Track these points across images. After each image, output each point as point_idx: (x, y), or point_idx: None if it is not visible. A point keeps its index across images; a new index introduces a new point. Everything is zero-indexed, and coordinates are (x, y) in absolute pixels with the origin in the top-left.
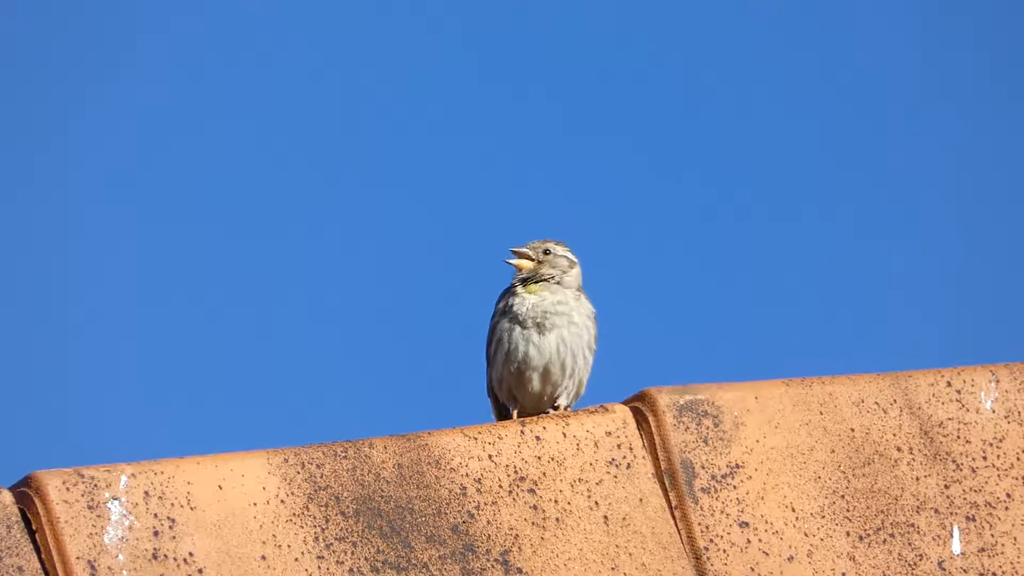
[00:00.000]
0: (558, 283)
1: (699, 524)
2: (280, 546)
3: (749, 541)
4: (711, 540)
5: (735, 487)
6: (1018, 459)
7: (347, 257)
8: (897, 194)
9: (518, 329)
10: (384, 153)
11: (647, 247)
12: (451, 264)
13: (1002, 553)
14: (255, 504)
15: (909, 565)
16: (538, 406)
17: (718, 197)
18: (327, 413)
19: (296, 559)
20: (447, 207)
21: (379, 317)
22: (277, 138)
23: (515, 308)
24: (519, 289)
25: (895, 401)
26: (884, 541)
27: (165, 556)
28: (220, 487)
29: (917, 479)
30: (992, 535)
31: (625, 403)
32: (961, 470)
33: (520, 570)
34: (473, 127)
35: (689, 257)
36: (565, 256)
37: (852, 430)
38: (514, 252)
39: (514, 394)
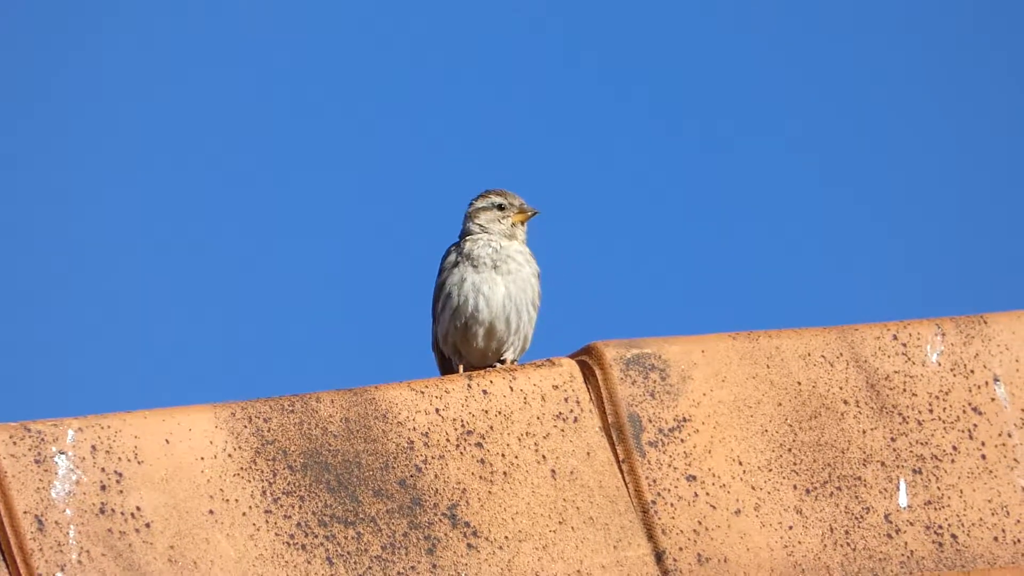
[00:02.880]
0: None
1: (646, 478)
2: (228, 500)
3: (696, 495)
4: (658, 494)
5: (682, 441)
6: (964, 412)
7: (292, 213)
8: (843, 148)
9: (469, 280)
10: (317, 104)
11: (593, 199)
12: (396, 218)
13: (948, 506)
14: (202, 458)
15: (856, 518)
16: (483, 361)
17: (664, 148)
18: (274, 368)
19: (244, 513)
20: (387, 160)
21: (325, 272)
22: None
23: (476, 252)
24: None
25: (841, 354)
26: (831, 494)
27: (112, 510)
28: (167, 441)
29: (863, 432)
30: (938, 488)
31: (572, 357)
32: (907, 423)
33: (467, 524)
34: (397, 64)
35: (635, 210)
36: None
37: (799, 383)
38: (528, 210)
39: (459, 349)
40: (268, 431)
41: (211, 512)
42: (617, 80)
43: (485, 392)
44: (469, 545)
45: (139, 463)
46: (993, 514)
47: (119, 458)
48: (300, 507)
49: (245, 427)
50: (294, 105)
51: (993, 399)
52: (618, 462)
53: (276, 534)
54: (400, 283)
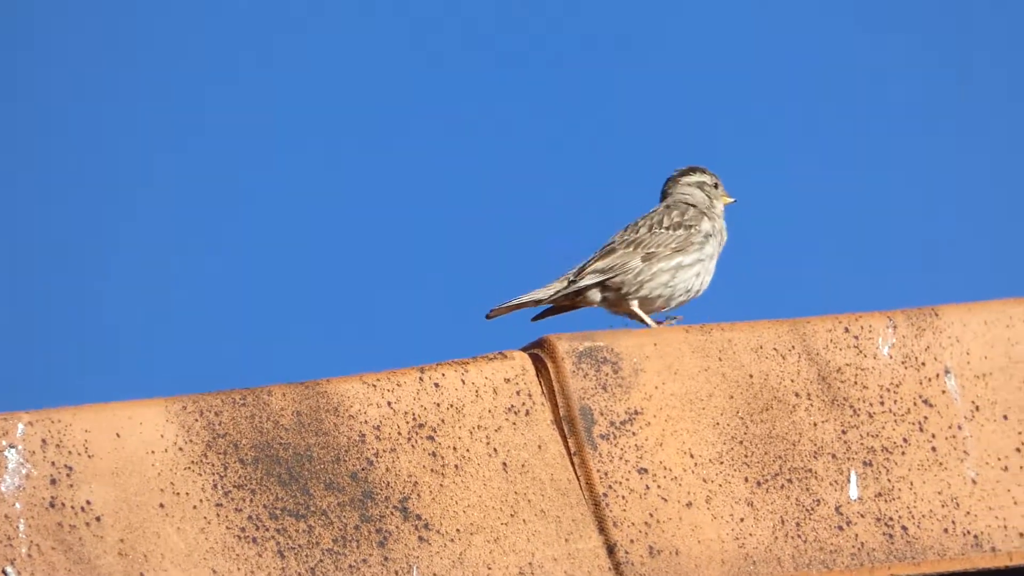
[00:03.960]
0: None
1: (598, 471)
2: (178, 494)
3: (648, 487)
4: (610, 487)
5: (634, 433)
6: (915, 404)
7: (242, 197)
8: (793, 138)
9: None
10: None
11: (539, 200)
12: (344, 209)
13: (898, 498)
14: (153, 452)
15: (807, 510)
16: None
17: (617, 143)
18: (226, 361)
19: (195, 507)
20: (329, 149)
21: (276, 261)
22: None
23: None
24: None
25: (793, 347)
26: (782, 486)
27: (63, 504)
28: (118, 435)
29: (815, 424)
30: (889, 480)
31: (524, 350)
32: (858, 415)
33: (419, 517)
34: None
35: (587, 204)
36: None
37: (751, 376)
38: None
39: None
40: (219, 424)
41: (162, 505)
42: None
43: (437, 385)
44: (420, 538)
45: (89, 457)
46: (943, 506)
47: (69, 452)
48: (251, 500)
49: (196, 421)
50: (234, 92)
51: (944, 392)
52: (570, 455)
53: (227, 527)
54: (352, 273)
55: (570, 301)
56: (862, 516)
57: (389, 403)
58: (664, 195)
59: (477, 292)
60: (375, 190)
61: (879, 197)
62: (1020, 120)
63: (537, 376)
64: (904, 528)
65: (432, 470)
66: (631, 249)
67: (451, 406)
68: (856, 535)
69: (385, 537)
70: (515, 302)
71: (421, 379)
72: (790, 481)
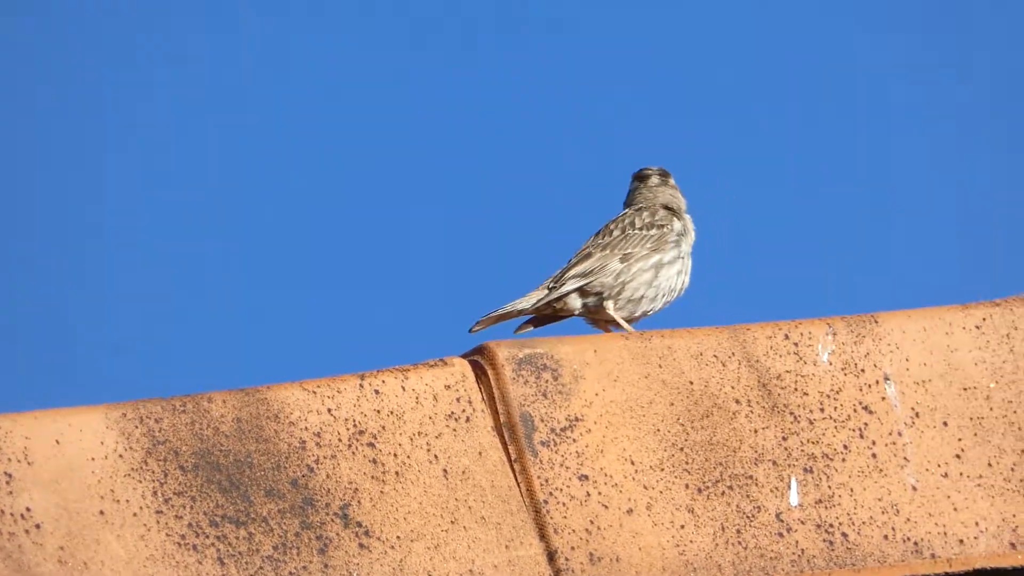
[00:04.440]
0: None
1: (539, 477)
2: (119, 501)
3: (588, 494)
4: (550, 493)
5: (574, 440)
6: (854, 411)
7: (181, 203)
8: (733, 147)
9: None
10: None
11: (479, 204)
12: (285, 216)
13: (839, 504)
14: (93, 459)
15: (747, 517)
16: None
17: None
18: (165, 368)
19: (135, 514)
20: (263, 158)
21: (215, 269)
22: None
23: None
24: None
25: (733, 354)
26: (723, 493)
27: (2, 511)
28: (58, 442)
29: (755, 431)
30: (829, 486)
31: (464, 357)
32: (799, 422)
33: (360, 524)
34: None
35: (526, 211)
36: None
37: (691, 383)
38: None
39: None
40: (159, 431)
41: (102, 513)
42: None
43: (377, 392)
44: (361, 545)
45: (29, 464)
46: (883, 512)
47: (9, 459)
48: (191, 507)
49: (136, 427)
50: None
51: (883, 398)
52: (510, 462)
53: (167, 534)
54: (291, 280)
55: (551, 310)
56: (802, 523)
57: (329, 410)
58: (630, 198)
59: (417, 299)
60: (315, 196)
61: (818, 205)
62: (960, 131)
63: (477, 383)
64: (844, 535)
65: (372, 477)
66: (608, 252)
67: (391, 413)
68: (796, 542)
69: (325, 544)
70: (497, 313)
71: (361, 386)
72: (731, 488)
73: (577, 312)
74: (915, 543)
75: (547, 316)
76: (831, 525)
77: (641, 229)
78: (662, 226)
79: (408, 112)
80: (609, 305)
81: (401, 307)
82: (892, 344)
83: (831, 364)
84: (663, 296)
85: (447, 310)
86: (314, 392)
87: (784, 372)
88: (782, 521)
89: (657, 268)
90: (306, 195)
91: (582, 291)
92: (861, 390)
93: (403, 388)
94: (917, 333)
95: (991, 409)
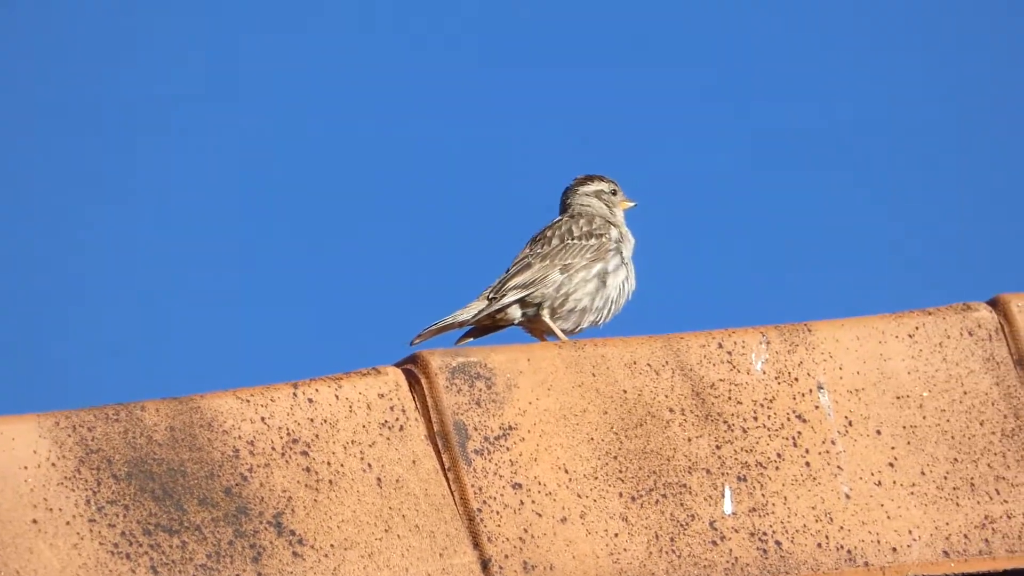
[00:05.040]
0: None
1: (472, 486)
2: (51, 509)
3: (522, 503)
4: (484, 502)
5: (508, 449)
6: (788, 420)
7: (112, 208)
8: (666, 156)
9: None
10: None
11: (417, 215)
12: (219, 218)
13: (772, 513)
14: (26, 468)
15: (681, 525)
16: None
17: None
18: (98, 377)
19: (68, 523)
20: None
21: (148, 276)
22: None
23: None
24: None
25: (667, 363)
26: (656, 502)
27: None
28: None
29: (689, 440)
30: (763, 495)
31: (398, 365)
32: (732, 431)
33: (293, 532)
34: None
35: (459, 222)
36: None
37: (624, 392)
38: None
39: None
40: (92, 440)
41: (34, 521)
42: None
43: (311, 400)
44: (295, 553)
45: None
46: (817, 521)
47: None
48: (125, 516)
49: (69, 436)
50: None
51: (817, 407)
52: (444, 470)
53: (100, 543)
54: (224, 288)
55: (491, 320)
56: (736, 531)
57: (263, 418)
58: (564, 205)
59: (350, 307)
60: (248, 206)
61: (751, 213)
62: (892, 142)
63: (411, 391)
64: (778, 543)
65: (306, 485)
66: (548, 262)
67: (325, 421)
68: (730, 550)
69: (259, 552)
70: (437, 326)
71: (295, 394)
72: (664, 496)
73: (516, 322)
74: (848, 551)
75: (486, 327)
76: (765, 533)
77: (580, 238)
78: (600, 235)
79: (339, 124)
80: (545, 315)
81: (336, 316)
82: (825, 353)
83: (765, 373)
84: (610, 305)
85: (383, 319)
86: (247, 401)
87: (718, 381)
88: (716, 529)
89: (602, 277)
90: (239, 204)
91: (522, 302)
92: (795, 399)
93: (337, 397)
94: (850, 342)
95: (924, 418)
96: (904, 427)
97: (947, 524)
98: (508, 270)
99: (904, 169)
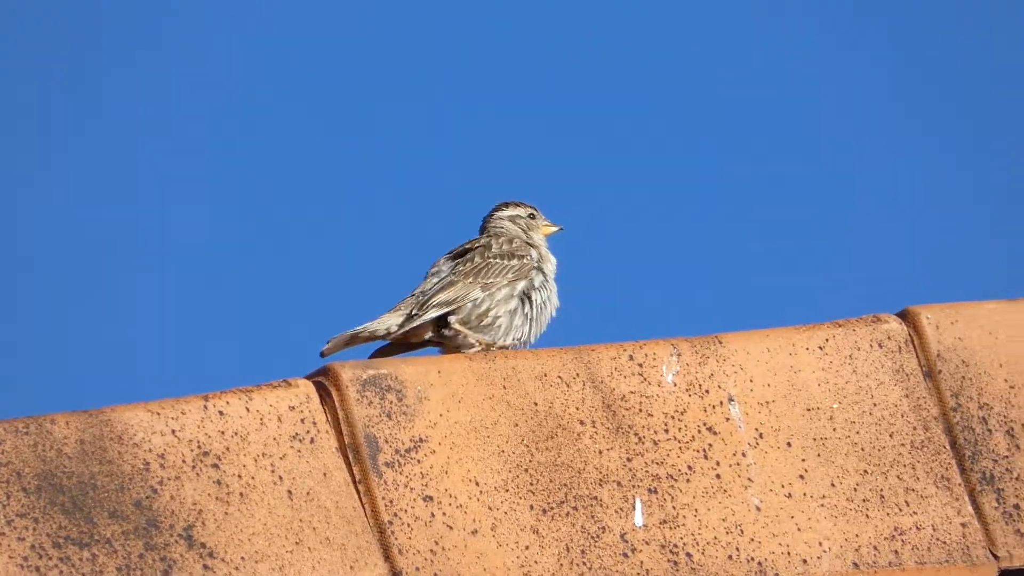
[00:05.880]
0: None
1: (383, 498)
2: None
3: (433, 515)
4: (395, 514)
5: (419, 461)
6: (699, 432)
7: (22, 216)
8: (578, 169)
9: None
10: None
11: (329, 225)
12: (129, 232)
13: (683, 525)
14: None
15: (592, 537)
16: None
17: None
18: (6, 390)
19: None
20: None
21: (58, 287)
22: None
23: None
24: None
25: (578, 375)
26: (567, 514)
27: None
28: None
29: (600, 452)
30: (674, 507)
31: (308, 378)
32: (643, 443)
33: (204, 545)
34: None
35: (367, 231)
36: None
37: (535, 404)
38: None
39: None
40: (2, 453)
41: None
42: None
43: (221, 413)
44: (205, 566)
45: None
46: (728, 533)
47: None
48: (34, 529)
49: None
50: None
51: (728, 419)
52: (355, 483)
53: (9, 556)
54: (133, 301)
55: (404, 336)
56: (647, 543)
57: (173, 431)
58: (482, 229)
59: (261, 320)
60: (159, 214)
61: (662, 226)
62: (804, 152)
63: (322, 404)
64: (689, 555)
65: (217, 498)
66: (471, 280)
67: (236, 434)
68: (641, 562)
69: (170, 566)
70: (349, 334)
71: (205, 407)
72: (575, 509)
73: (430, 337)
74: (759, 563)
75: (398, 343)
76: (676, 546)
77: (500, 258)
78: (521, 256)
79: (255, 130)
80: (454, 320)
81: (247, 329)
82: (736, 365)
83: (676, 385)
84: (531, 324)
85: (294, 332)
86: (158, 414)
87: (629, 393)
88: (627, 542)
89: (523, 296)
90: (148, 216)
91: (441, 319)
92: (705, 411)
93: (247, 409)
94: (761, 354)
95: (834, 429)
96: (814, 439)
97: (857, 536)
98: (425, 285)
99: (813, 183)
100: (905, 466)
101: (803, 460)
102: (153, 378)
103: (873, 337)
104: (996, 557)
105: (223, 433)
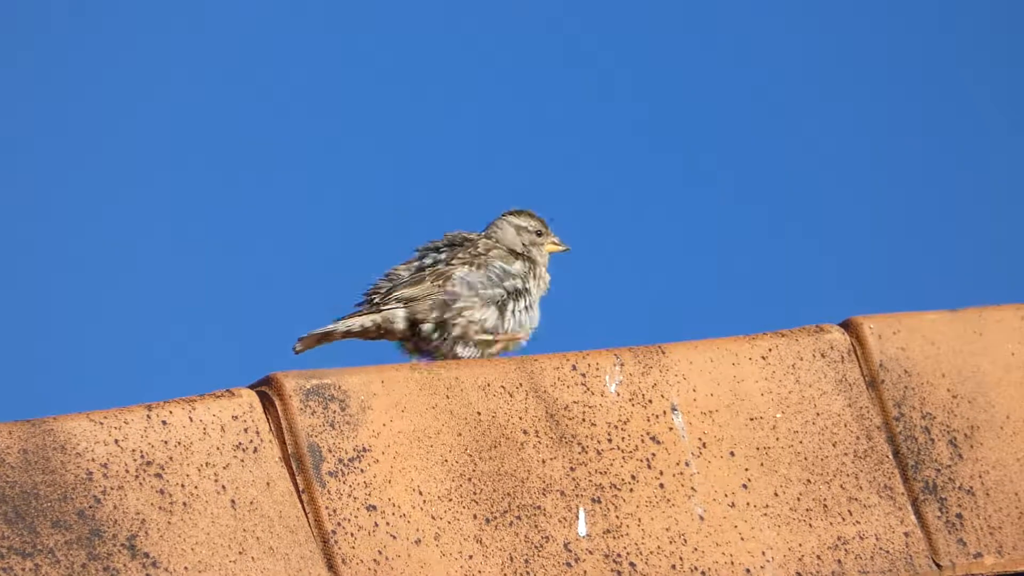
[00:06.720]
0: None
1: (326, 508)
2: None
3: (377, 524)
4: (339, 524)
5: (362, 471)
6: (642, 441)
7: None
8: (526, 177)
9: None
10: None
11: (275, 230)
12: (71, 239)
13: (627, 534)
14: None
15: (535, 547)
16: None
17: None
18: None
19: None
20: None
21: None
22: None
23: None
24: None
25: (521, 385)
26: (511, 523)
27: None
28: None
29: (543, 462)
30: (617, 517)
31: (252, 387)
32: (587, 453)
33: (147, 555)
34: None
35: (309, 243)
36: None
37: (479, 414)
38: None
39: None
40: None
41: None
42: None
43: (165, 423)
44: None
45: None
46: (671, 542)
47: None
48: None
49: None
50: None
51: (671, 428)
52: (298, 492)
53: None
54: (76, 310)
55: (377, 333)
56: (591, 553)
57: (116, 440)
58: (486, 229)
59: (204, 330)
60: (100, 224)
61: (603, 235)
62: (749, 165)
63: (265, 413)
64: (632, 564)
65: (160, 507)
66: (441, 281)
67: (179, 443)
68: (585, 571)
69: (113, 575)
70: (321, 331)
71: (149, 416)
72: (519, 518)
73: (399, 333)
74: (702, 572)
75: (371, 335)
76: (619, 555)
77: (484, 265)
78: (505, 266)
79: (212, 133)
80: (429, 331)
81: (191, 337)
82: (679, 375)
83: (619, 395)
84: (512, 330)
85: (238, 340)
86: (101, 423)
87: (572, 403)
88: (570, 551)
89: (498, 305)
90: (93, 224)
91: (411, 317)
92: (648, 420)
93: (191, 419)
94: (704, 364)
95: (777, 439)
96: (757, 448)
97: (800, 545)
98: (393, 277)
99: (757, 193)
100: (848, 475)
101: (746, 469)
102: (96, 388)
103: (816, 347)
104: (939, 566)
105: (166, 443)
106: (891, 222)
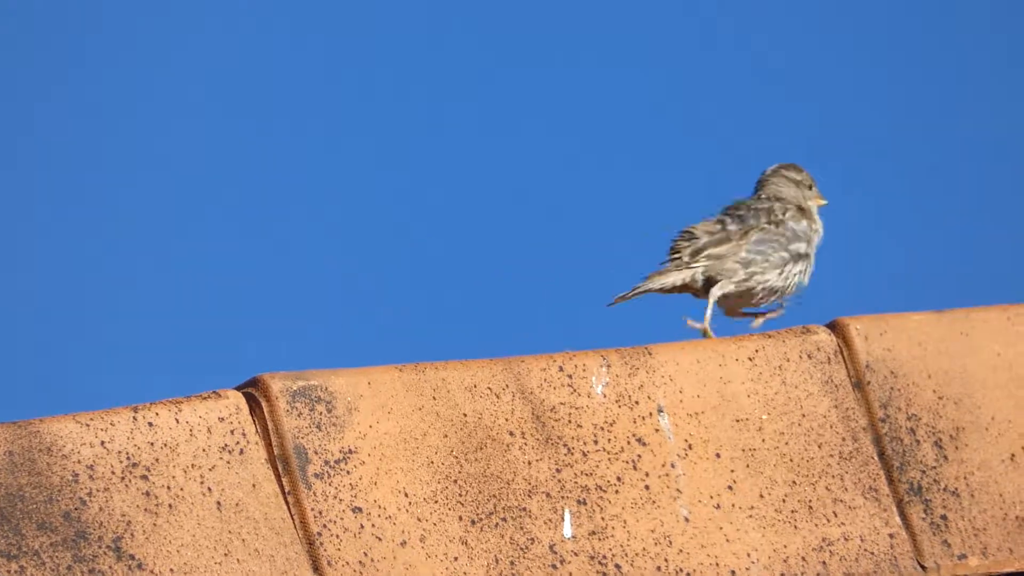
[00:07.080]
0: None
1: (312, 510)
2: None
3: (363, 526)
4: (324, 525)
5: (348, 472)
6: (628, 443)
7: None
8: (492, 187)
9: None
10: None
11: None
12: (58, 241)
13: (612, 536)
14: None
15: (521, 549)
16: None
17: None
18: None
19: None
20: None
21: None
22: None
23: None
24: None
25: (507, 386)
26: (496, 525)
27: None
28: None
29: (529, 463)
30: (603, 518)
31: (238, 389)
32: (572, 454)
33: (133, 557)
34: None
35: (305, 243)
36: None
37: (465, 415)
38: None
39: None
40: None
41: None
42: None
43: (151, 424)
44: None
45: None
46: (656, 544)
47: None
48: None
49: None
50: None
51: (657, 430)
52: (284, 494)
53: None
54: (61, 311)
55: (679, 288)
56: (576, 554)
57: (102, 442)
58: (759, 186)
59: (190, 331)
60: (84, 224)
61: (588, 235)
62: (735, 162)
63: (251, 415)
64: (617, 566)
65: (146, 509)
66: (742, 241)
67: (165, 445)
68: (570, 573)
69: None
70: (643, 288)
71: (135, 418)
72: (504, 520)
73: (698, 289)
74: (688, 574)
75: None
76: (604, 557)
77: (775, 223)
78: (780, 222)
79: (211, 133)
80: (715, 291)
81: (176, 339)
82: (666, 376)
83: (605, 396)
84: (790, 291)
85: (219, 344)
86: (87, 425)
87: (558, 404)
88: (556, 553)
89: (785, 264)
90: (80, 224)
91: (708, 275)
92: (635, 422)
93: (177, 420)
94: (691, 365)
95: (763, 441)
96: (743, 450)
97: (785, 547)
98: (691, 236)
99: (744, 192)
100: (833, 477)
101: (732, 471)
102: (82, 389)
103: (803, 348)
104: (923, 568)
105: (152, 444)
106: (877, 223)
